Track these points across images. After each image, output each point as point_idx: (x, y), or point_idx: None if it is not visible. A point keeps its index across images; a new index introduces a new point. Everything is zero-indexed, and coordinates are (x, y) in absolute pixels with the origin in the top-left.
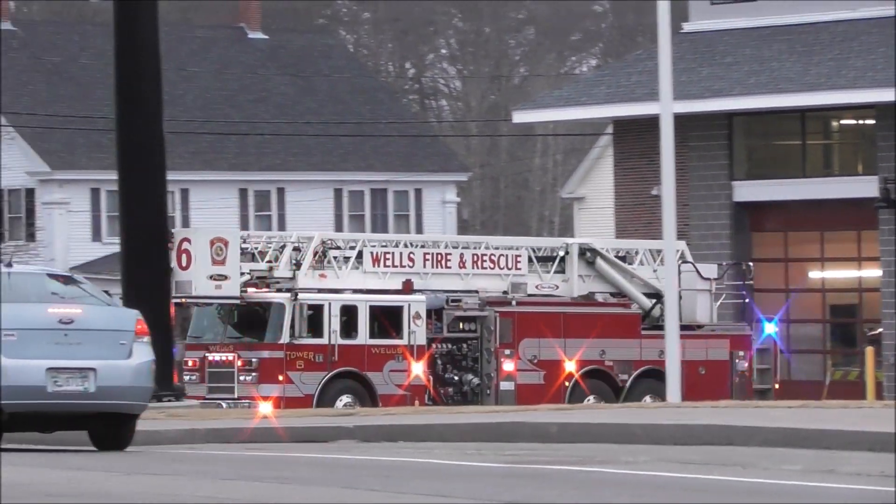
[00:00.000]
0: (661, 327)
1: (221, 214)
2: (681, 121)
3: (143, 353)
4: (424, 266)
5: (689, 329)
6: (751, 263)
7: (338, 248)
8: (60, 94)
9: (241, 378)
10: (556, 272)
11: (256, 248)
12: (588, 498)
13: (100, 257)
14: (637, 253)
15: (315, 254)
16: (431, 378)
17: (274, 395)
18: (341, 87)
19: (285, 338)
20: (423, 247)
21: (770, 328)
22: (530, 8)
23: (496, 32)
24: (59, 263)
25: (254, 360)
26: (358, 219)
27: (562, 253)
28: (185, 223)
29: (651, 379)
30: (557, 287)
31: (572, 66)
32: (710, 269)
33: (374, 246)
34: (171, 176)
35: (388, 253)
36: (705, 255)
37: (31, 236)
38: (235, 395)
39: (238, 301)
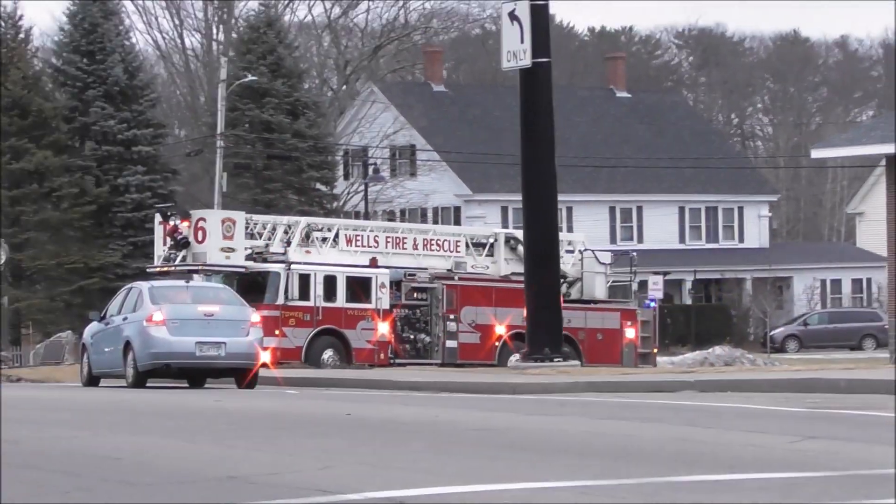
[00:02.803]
0: (568, 301)
1: (595, 227)
2: None
3: (255, 334)
4: (387, 247)
5: (589, 303)
6: (634, 253)
7: (319, 230)
8: (479, 137)
9: None
10: (486, 255)
11: (255, 229)
12: (867, 434)
13: None
14: None
15: (302, 235)
16: (393, 336)
17: (272, 347)
18: (684, 132)
19: (280, 300)
20: (385, 231)
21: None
22: (823, 72)
23: (798, 91)
24: None
25: None
26: (696, 230)
27: (492, 240)
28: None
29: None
30: (488, 268)
31: (855, 115)
32: (605, 256)
33: (347, 230)
34: (560, 198)
35: (359, 235)
36: None
37: None
38: None
39: (243, 269)
